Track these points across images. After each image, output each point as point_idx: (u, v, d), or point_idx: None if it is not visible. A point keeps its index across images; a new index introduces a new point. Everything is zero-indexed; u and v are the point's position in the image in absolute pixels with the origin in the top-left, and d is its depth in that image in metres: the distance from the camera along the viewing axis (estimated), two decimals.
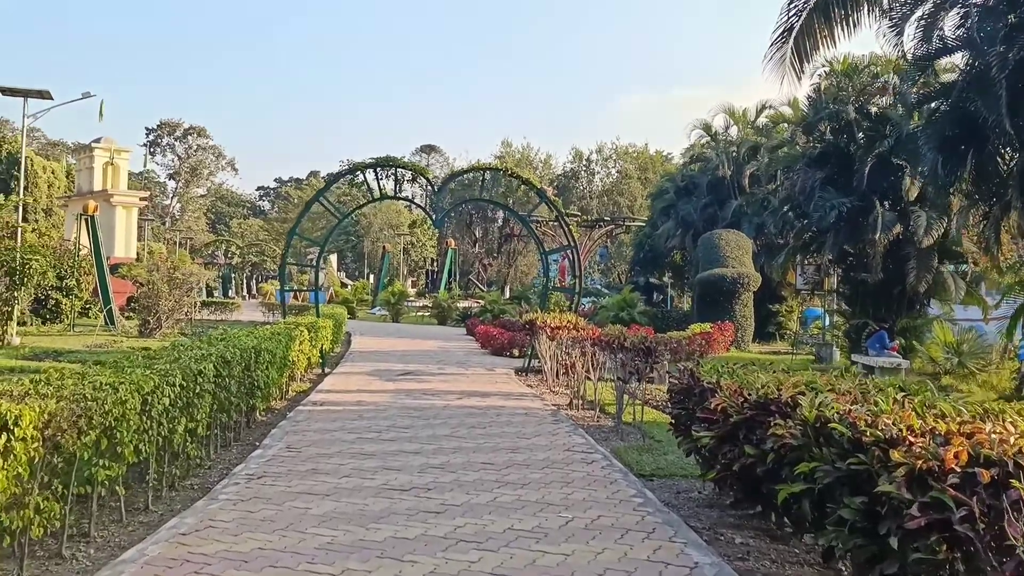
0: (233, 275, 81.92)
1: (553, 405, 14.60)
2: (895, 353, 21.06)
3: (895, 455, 4.43)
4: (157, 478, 7.92)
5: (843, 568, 6.30)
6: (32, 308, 33.31)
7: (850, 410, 5.18)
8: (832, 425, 5.07)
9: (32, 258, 23.94)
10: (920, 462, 4.27)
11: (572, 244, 20.47)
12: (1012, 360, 17.50)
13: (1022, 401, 12.66)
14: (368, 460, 9.35)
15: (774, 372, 7.61)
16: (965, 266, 23.05)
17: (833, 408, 5.36)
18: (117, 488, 7.00)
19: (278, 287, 46.88)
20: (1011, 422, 4.64)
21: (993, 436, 4.35)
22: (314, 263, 62.15)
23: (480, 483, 8.37)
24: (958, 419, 4.86)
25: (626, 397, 12.53)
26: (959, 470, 4.15)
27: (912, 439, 4.55)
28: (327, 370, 19.29)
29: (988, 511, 4.05)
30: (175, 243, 78.83)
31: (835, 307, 28.12)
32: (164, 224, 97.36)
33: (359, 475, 8.59)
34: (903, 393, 5.89)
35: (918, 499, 4.18)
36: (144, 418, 7.10)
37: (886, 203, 22.51)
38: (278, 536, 6.48)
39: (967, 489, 4.11)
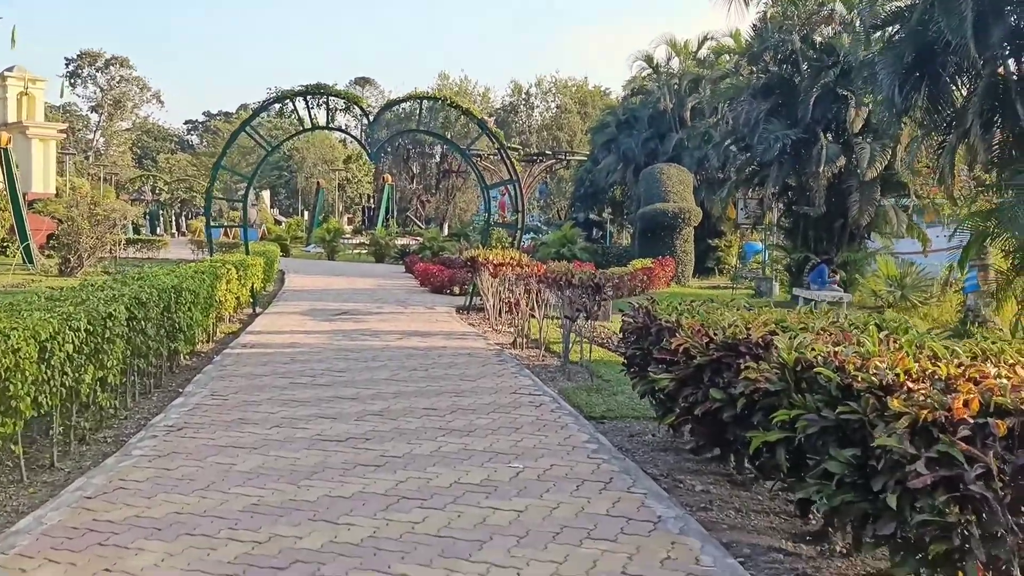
0: (161, 212, 79.07)
1: (497, 344, 14.06)
2: (836, 287, 21.03)
3: (894, 403, 3.93)
4: (63, 432, 7.16)
5: (812, 517, 5.92)
6: None
7: (836, 352, 4.68)
8: (818, 369, 4.56)
9: None
10: (925, 412, 3.78)
11: (514, 178, 19.74)
12: (957, 293, 17.49)
13: (970, 336, 12.48)
14: (301, 408, 8.68)
15: (737, 310, 7.11)
16: (906, 200, 23.01)
17: (815, 350, 4.86)
18: (14, 447, 6.24)
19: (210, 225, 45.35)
20: (1019, 364, 4.18)
21: (1003, 381, 3.88)
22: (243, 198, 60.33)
23: (423, 431, 7.78)
24: (955, 362, 4.39)
25: (572, 335, 12.03)
26: (971, 421, 3.66)
27: (911, 385, 4.06)
28: (258, 310, 18.43)
29: (1003, 467, 3.59)
30: (99, 178, 75.64)
31: (776, 241, 28.06)
32: (87, 159, 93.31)
33: (290, 425, 7.92)
34: (883, 332, 5.43)
35: (924, 454, 3.70)
36: (43, 367, 6.32)
37: (830, 135, 22.24)
38: (197, 497, 5.80)
39: (979, 442, 3.63)
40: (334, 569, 4.64)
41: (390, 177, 57.96)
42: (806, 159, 21.89)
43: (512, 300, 14.89)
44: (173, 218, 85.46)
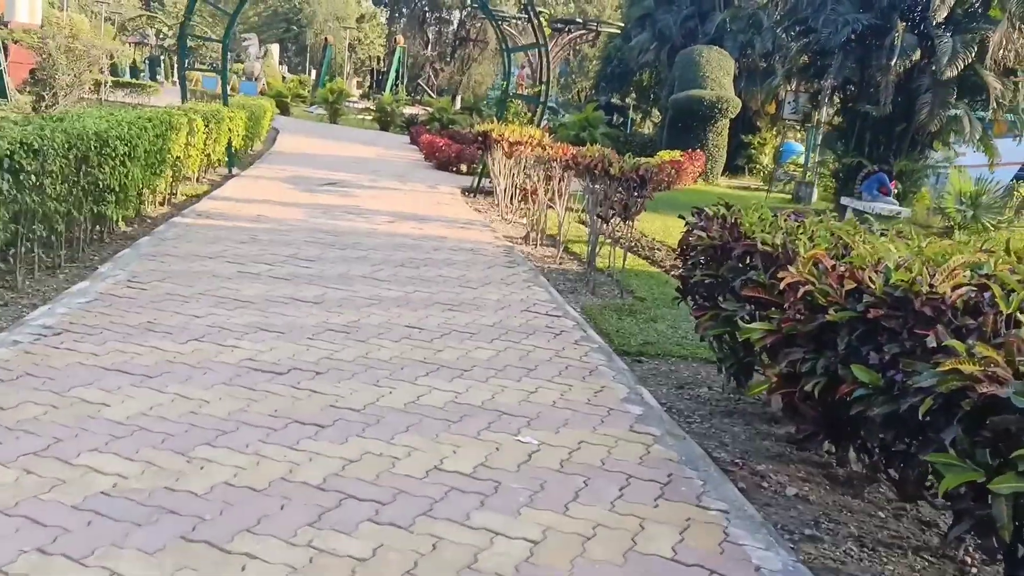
0: (163, 59, 75.22)
1: (506, 238, 11.76)
2: (891, 199, 18.61)
3: None
4: None
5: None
6: None
7: None
8: None
9: None
10: None
11: (541, 41, 16.97)
12: None
13: None
14: (241, 311, 6.45)
15: (899, 234, 4.78)
16: (980, 111, 20.21)
17: None
18: None
19: (208, 74, 42.11)
20: None
21: None
22: (249, 51, 56.56)
23: (399, 365, 5.56)
24: None
25: (600, 238, 9.73)
26: None
27: None
28: (235, 171, 16.03)
29: None
30: (101, 16, 71.56)
31: (819, 142, 25.35)
32: None
33: (215, 339, 5.69)
34: None
35: None
36: None
37: (906, 23, 19.29)
38: (16, 473, 3.61)
39: None
40: None
41: (403, 39, 54.30)
42: (876, 50, 19.10)
43: (529, 187, 12.51)
44: (175, 66, 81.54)
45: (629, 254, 11.01)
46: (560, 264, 10.52)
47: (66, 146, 7.10)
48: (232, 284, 7.23)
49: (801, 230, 4.96)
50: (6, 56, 30.50)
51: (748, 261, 5.18)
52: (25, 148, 6.30)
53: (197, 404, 4.49)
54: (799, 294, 4.18)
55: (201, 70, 44.90)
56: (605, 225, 9.10)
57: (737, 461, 4.82)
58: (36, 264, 7.19)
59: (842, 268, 4.07)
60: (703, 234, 5.72)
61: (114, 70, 43.20)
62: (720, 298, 5.72)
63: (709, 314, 5.48)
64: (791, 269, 4.39)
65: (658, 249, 12.22)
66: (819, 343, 4.17)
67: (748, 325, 4.63)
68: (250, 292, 7.02)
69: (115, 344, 5.32)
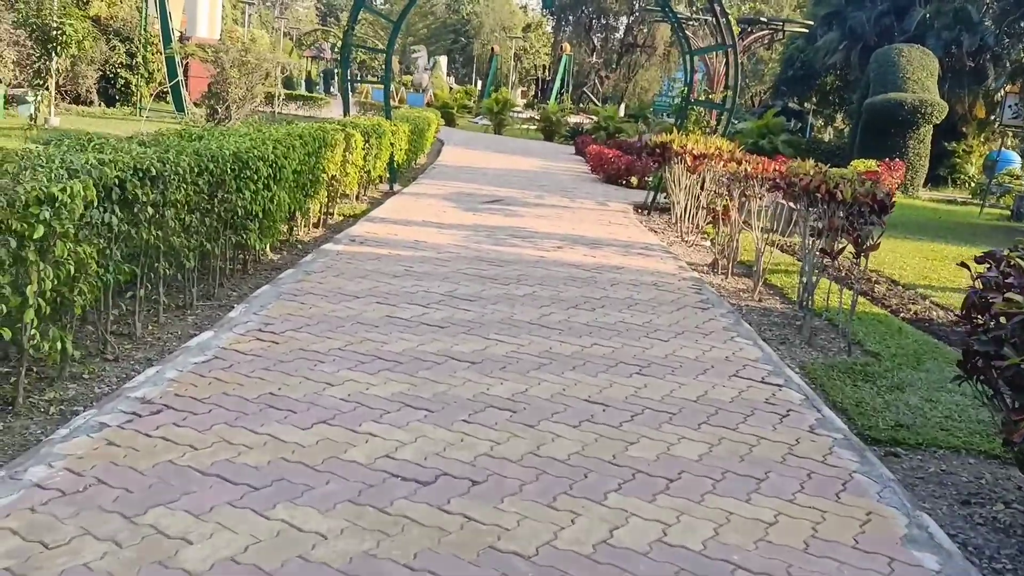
0: (336, 71, 77.68)
1: (691, 267, 10.18)
2: None
3: None
4: None
5: None
6: (100, 87, 30.38)
7: None
8: None
9: (65, 23, 20.11)
10: None
11: (730, 41, 15.19)
12: None
13: None
14: (383, 375, 5.20)
15: None
16: None
17: None
18: None
19: (378, 86, 42.42)
20: None
21: None
22: (417, 63, 57.08)
23: (581, 470, 4.12)
24: None
25: (819, 274, 7.98)
26: None
27: None
28: (396, 188, 15.18)
29: None
30: (280, 32, 74.70)
31: None
32: (273, 11, 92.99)
33: (348, 420, 4.45)
34: None
35: None
36: None
37: None
38: None
39: None
40: None
41: (568, 47, 53.22)
42: None
43: (719, 209, 10.84)
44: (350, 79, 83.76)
45: (835, 284, 9.17)
46: (760, 301, 8.85)
47: (195, 170, 6.13)
48: (378, 334, 6.04)
49: None
50: (186, 71, 31.59)
51: None
52: (140, 175, 5.32)
53: (309, 542, 3.22)
54: None
55: (371, 82, 45.40)
56: (832, 262, 7.37)
57: None
58: (160, 306, 6.27)
59: None
60: (1019, 298, 3.99)
61: (288, 83, 44.40)
62: None
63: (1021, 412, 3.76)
64: None
65: (878, 282, 10.29)
66: None
67: None
68: (398, 346, 5.79)
69: (222, 429, 4.17)
